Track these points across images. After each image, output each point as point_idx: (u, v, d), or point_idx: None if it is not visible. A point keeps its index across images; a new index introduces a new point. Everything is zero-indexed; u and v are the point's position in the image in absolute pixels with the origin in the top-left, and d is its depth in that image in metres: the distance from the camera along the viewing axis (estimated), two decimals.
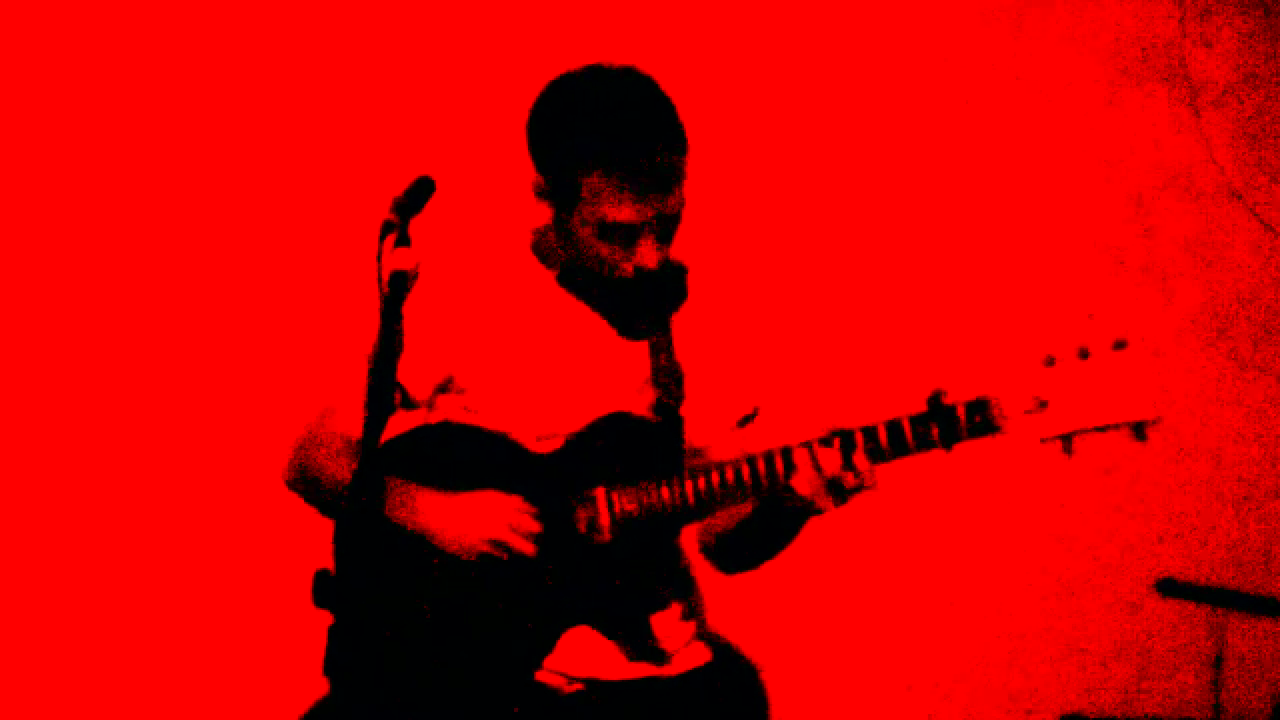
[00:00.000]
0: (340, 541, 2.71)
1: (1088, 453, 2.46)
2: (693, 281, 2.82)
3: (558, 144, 2.64)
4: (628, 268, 2.63)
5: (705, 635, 2.82)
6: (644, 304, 2.71)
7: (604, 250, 2.63)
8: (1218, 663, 3.96)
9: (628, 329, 2.76)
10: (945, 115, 4.18)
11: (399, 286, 2.43)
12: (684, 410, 2.75)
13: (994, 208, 4.19)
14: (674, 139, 2.61)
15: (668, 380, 2.74)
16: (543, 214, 2.71)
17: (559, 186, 2.64)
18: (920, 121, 4.16)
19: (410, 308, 2.65)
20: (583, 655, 2.70)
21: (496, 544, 2.65)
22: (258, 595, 3.79)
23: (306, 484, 2.81)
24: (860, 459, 2.48)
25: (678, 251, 2.70)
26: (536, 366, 2.75)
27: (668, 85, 2.64)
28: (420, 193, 2.50)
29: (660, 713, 2.72)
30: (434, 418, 2.75)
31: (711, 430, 2.76)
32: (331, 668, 2.49)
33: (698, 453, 2.75)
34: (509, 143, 2.97)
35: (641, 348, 2.76)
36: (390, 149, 3.82)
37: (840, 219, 4.12)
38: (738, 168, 4.01)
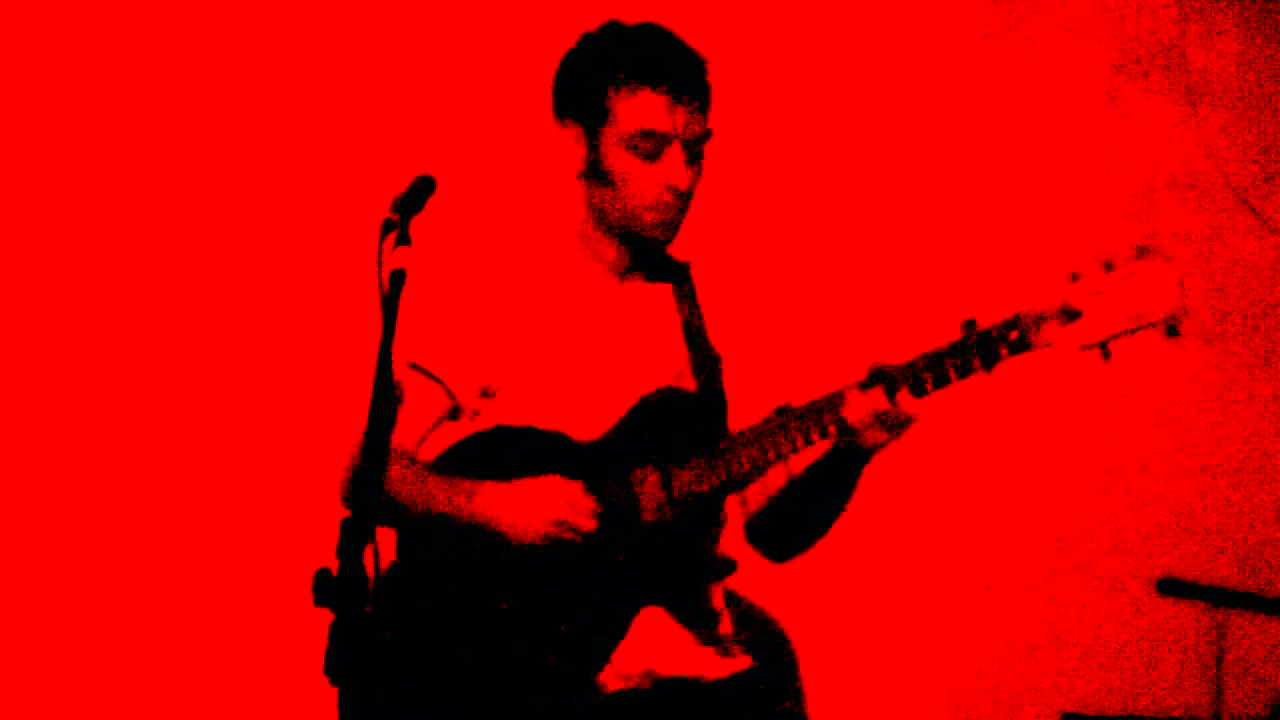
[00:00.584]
0: (345, 552, 2.70)
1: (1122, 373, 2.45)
2: (722, 266, 2.84)
3: (590, 73, 2.71)
4: (659, 184, 2.67)
5: (745, 617, 2.83)
6: (671, 231, 2.72)
7: (635, 167, 2.67)
8: (1218, 662, 3.96)
9: (656, 271, 2.78)
10: (944, 114, 4.18)
11: (399, 286, 2.43)
12: (724, 384, 2.74)
13: (994, 206, 4.19)
14: (701, 63, 2.69)
15: (705, 360, 2.74)
16: (574, 160, 2.74)
17: (591, 116, 2.69)
18: (920, 120, 4.16)
19: (447, 315, 2.73)
20: (645, 651, 2.67)
21: (560, 523, 2.62)
22: (257, 595, 3.79)
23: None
24: (904, 396, 2.49)
25: (695, 242, 2.73)
26: (576, 359, 2.74)
27: None
28: (421, 191, 2.51)
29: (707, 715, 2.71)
30: (483, 424, 2.76)
31: (745, 402, 2.74)
32: (332, 667, 2.48)
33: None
34: (515, 136, 2.97)
35: (676, 333, 2.76)
36: (399, 150, 3.82)
37: (837, 226, 4.13)
38: (753, 153, 4.01)
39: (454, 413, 2.78)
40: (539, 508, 2.63)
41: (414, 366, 2.74)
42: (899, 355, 2.53)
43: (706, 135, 2.70)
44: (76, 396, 3.80)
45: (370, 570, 2.35)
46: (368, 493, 2.39)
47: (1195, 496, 4.24)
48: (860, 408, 2.51)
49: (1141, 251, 2.41)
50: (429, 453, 2.78)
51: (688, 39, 2.73)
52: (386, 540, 2.70)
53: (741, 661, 2.78)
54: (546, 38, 3.94)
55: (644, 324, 2.77)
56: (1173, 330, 2.41)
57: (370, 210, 2.52)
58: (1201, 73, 4.27)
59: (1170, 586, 3.90)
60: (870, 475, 3.91)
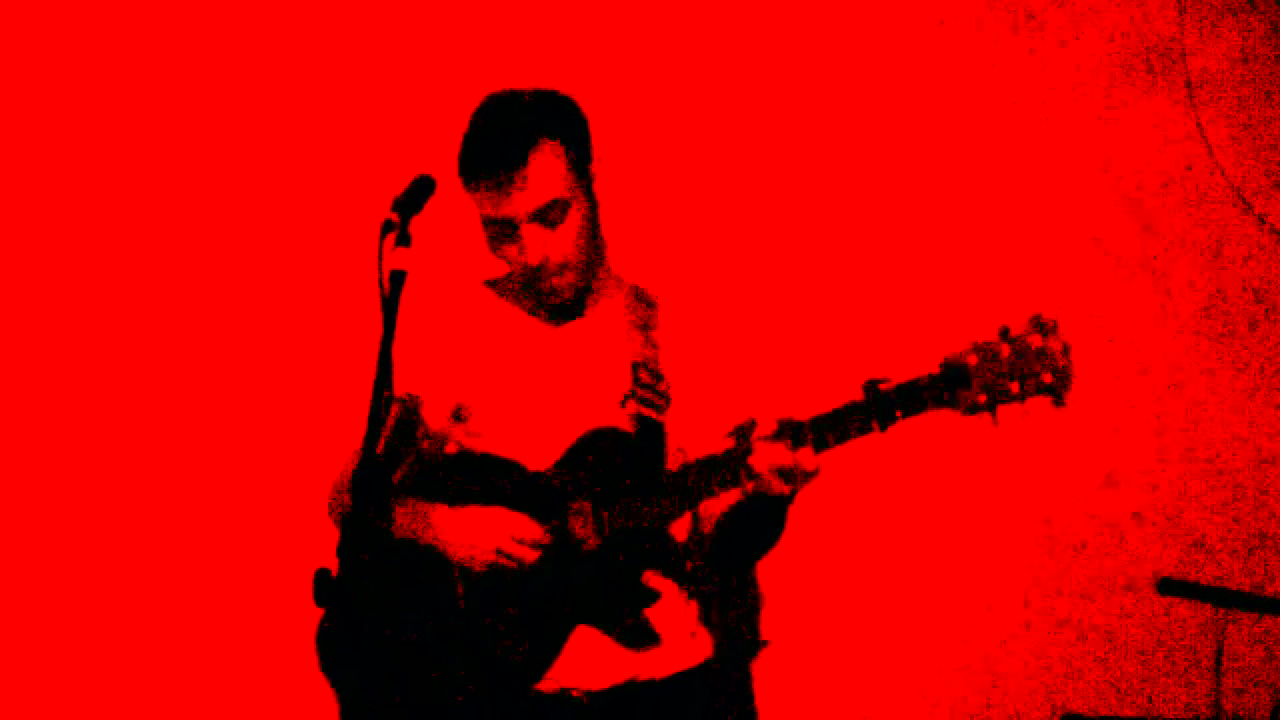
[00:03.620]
0: (344, 553, 2.77)
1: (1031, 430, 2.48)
2: (678, 296, 2.98)
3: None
4: (521, 263, 2.84)
5: (710, 623, 2.92)
6: (560, 292, 2.88)
7: (501, 248, 2.85)
8: (1218, 662, 3.96)
9: (610, 310, 2.95)
10: (942, 114, 4.17)
11: (399, 286, 2.45)
12: (669, 417, 2.87)
13: (992, 207, 4.19)
14: (523, 137, 2.78)
15: (648, 392, 2.85)
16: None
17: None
18: (916, 120, 4.16)
19: (418, 343, 2.85)
20: (582, 663, 2.78)
21: (501, 553, 2.79)
22: (256, 594, 3.79)
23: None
24: (806, 452, 2.64)
25: (643, 268, 2.90)
26: (531, 389, 2.91)
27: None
28: (420, 192, 2.53)
29: (652, 716, 2.81)
30: (449, 449, 2.89)
31: (695, 433, 2.89)
32: (328, 666, 2.53)
33: (682, 452, 2.88)
34: None
35: (625, 363, 2.84)
36: (395, 154, 3.82)
37: (835, 220, 4.12)
38: (727, 176, 4.03)
39: (431, 437, 2.89)
40: (484, 536, 2.80)
41: (394, 397, 2.86)
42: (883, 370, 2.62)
43: (554, 203, 2.79)
44: (75, 390, 3.80)
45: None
46: (368, 488, 2.42)
47: (1195, 496, 4.24)
48: (765, 458, 2.63)
49: (1035, 323, 2.54)
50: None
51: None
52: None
53: (688, 656, 2.90)
54: (548, 39, 3.95)
55: (593, 361, 2.91)
56: (1059, 400, 2.56)
57: (362, 215, 2.56)
58: (1201, 72, 4.27)
59: (1170, 586, 3.90)
60: (869, 475, 3.93)
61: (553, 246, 2.82)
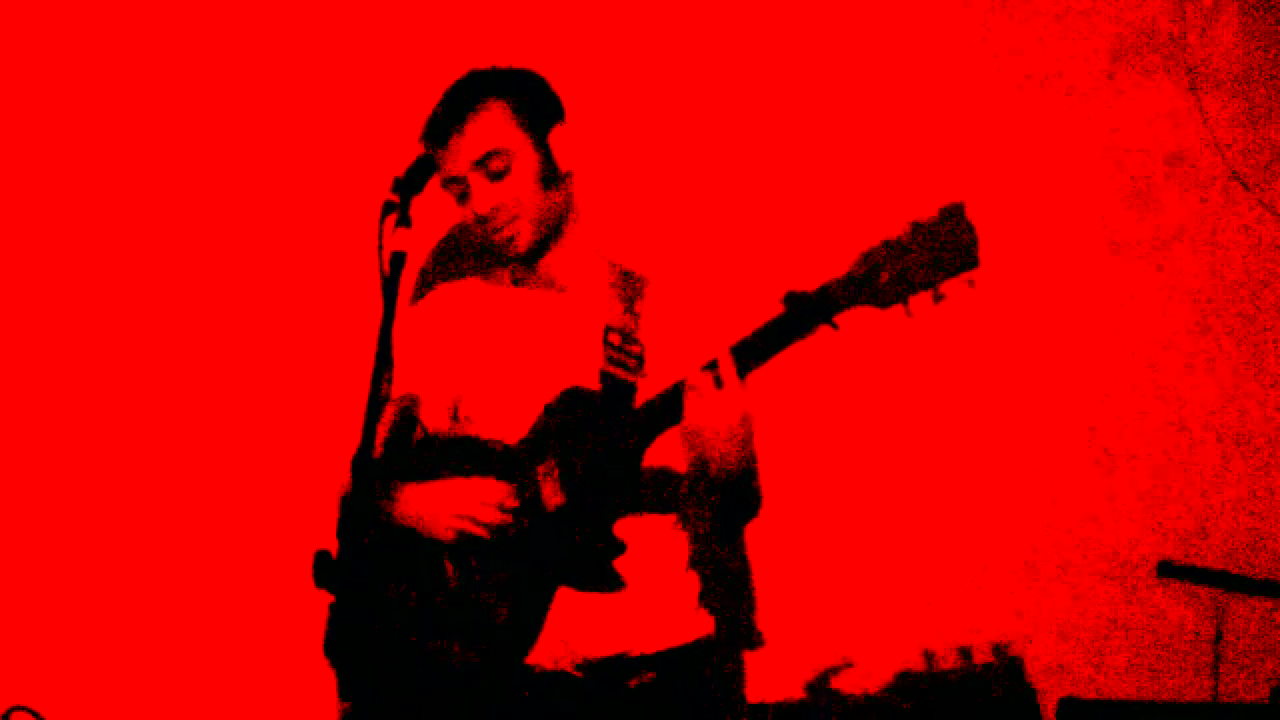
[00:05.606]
0: (343, 534, 2.80)
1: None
2: (668, 277, 3.03)
3: None
4: (469, 214, 2.91)
5: (706, 601, 2.94)
6: (511, 246, 2.95)
7: (465, 213, 2.92)
8: (1217, 645, 3.97)
9: (585, 282, 3.00)
10: (943, 100, 4.17)
11: (399, 267, 2.46)
12: (643, 381, 2.90)
13: (993, 192, 4.19)
14: (469, 98, 2.90)
15: (619, 353, 2.90)
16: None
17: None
18: (917, 108, 4.16)
19: (412, 343, 2.96)
20: (569, 631, 2.79)
21: (471, 519, 2.82)
22: (255, 578, 3.80)
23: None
24: (728, 371, 2.64)
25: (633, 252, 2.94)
26: (508, 365, 2.96)
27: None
28: (421, 172, 2.54)
29: (639, 691, 2.82)
30: (438, 436, 2.97)
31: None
32: (330, 649, 2.53)
33: None
34: None
35: (598, 329, 2.92)
36: (393, 146, 3.82)
37: (831, 208, 4.12)
38: (714, 158, 4.03)
39: (425, 430, 2.95)
40: (449, 505, 2.83)
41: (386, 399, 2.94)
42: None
43: (495, 153, 2.88)
44: (74, 383, 3.80)
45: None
46: (364, 470, 2.43)
47: (1195, 479, 4.24)
48: (698, 379, 2.65)
49: (942, 211, 2.58)
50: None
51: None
52: None
53: (688, 631, 2.88)
54: (549, 34, 3.95)
55: (565, 332, 2.97)
56: (965, 278, 2.61)
57: (367, 204, 2.57)
58: (1202, 58, 4.26)
59: (1170, 570, 3.90)
60: (867, 457, 3.93)
61: (500, 195, 2.88)
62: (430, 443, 2.96)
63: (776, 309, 2.61)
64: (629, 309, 2.94)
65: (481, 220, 2.89)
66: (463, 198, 2.91)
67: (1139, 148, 4.25)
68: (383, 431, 2.95)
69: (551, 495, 2.81)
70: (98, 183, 3.82)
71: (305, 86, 3.88)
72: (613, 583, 2.82)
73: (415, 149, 2.80)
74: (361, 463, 2.46)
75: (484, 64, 3.05)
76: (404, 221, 2.51)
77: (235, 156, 3.86)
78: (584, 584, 2.82)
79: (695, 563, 2.98)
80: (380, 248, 2.49)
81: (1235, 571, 4.01)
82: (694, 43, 4.04)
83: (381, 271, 2.48)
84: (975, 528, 4.14)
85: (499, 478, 2.84)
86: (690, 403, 2.63)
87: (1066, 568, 4.18)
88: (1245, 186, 4.27)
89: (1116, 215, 4.24)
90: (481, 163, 2.87)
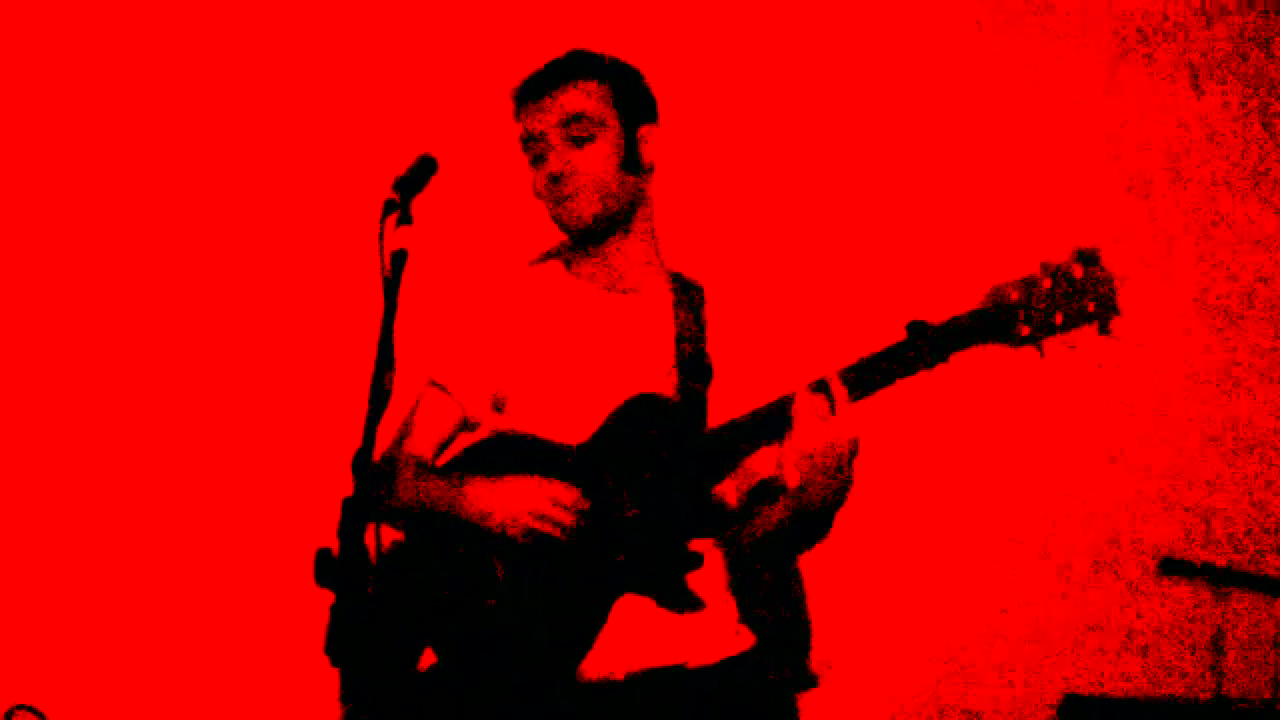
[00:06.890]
0: (344, 533, 2.76)
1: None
2: (724, 284, 2.96)
3: None
4: (545, 175, 2.85)
5: (749, 614, 2.90)
6: (575, 217, 2.88)
7: (537, 176, 2.86)
8: (1219, 641, 3.97)
9: (655, 287, 2.93)
10: (944, 97, 4.18)
11: (401, 266, 2.45)
12: (712, 393, 2.84)
13: (994, 187, 4.19)
14: (568, 71, 2.87)
15: (693, 364, 2.84)
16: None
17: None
18: (920, 104, 4.16)
19: (457, 332, 2.89)
20: (624, 641, 2.75)
21: (541, 517, 2.75)
22: (257, 576, 3.80)
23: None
24: (841, 394, 2.60)
25: (688, 257, 2.88)
26: (570, 370, 2.87)
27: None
28: (423, 171, 2.54)
29: (692, 703, 2.79)
30: (483, 434, 2.89)
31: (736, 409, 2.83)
32: (332, 647, 2.51)
33: None
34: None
35: (668, 338, 2.86)
36: (395, 143, 3.83)
37: (840, 213, 4.13)
38: (760, 167, 4.03)
39: (469, 424, 2.90)
40: (522, 502, 2.75)
41: (431, 383, 2.89)
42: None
43: (582, 116, 2.85)
44: (75, 383, 3.81)
45: (372, 551, 2.39)
46: (365, 468, 2.42)
47: (1197, 477, 4.25)
48: (806, 404, 2.59)
49: (1077, 255, 2.58)
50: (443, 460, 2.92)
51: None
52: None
53: (733, 646, 2.84)
54: (554, 33, 3.95)
55: (633, 335, 2.88)
56: (1103, 328, 2.60)
57: (373, 202, 2.57)
58: (1205, 53, 4.27)
59: (1172, 566, 3.91)
60: (870, 463, 3.94)
61: (577, 161, 2.85)
62: (486, 440, 2.90)
63: (824, 323, 2.59)
64: (696, 318, 2.90)
65: (554, 180, 2.83)
66: (538, 160, 2.86)
67: (1140, 143, 4.26)
68: (418, 420, 2.91)
69: (624, 503, 2.77)
70: (100, 183, 3.83)
71: (306, 87, 3.89)
72: (693, 602, 2.80)
73: (416, 149, 2.78)
74: (361, 462, 2.44)
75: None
76: (405, 220, 2.50)
77: (237, 157, 3.87)
78: (662, 600, 2.78)
79: (740, 584, 2.92)
80: (381, 246, 2.49)
81: (1237, 568, 4.02)
82: (726, 54, 4.05)
83: (382, 270, 2.47)
84: (979, 528, 4.15)
85: (562, 479, 2.78)
86: (804, 423, 2.59)
87: (1070, 565, 4.18)
88: (1246, 181, 4.28)
89: (1117, 211, 4.25)
90: (566, 124, 2.85)
